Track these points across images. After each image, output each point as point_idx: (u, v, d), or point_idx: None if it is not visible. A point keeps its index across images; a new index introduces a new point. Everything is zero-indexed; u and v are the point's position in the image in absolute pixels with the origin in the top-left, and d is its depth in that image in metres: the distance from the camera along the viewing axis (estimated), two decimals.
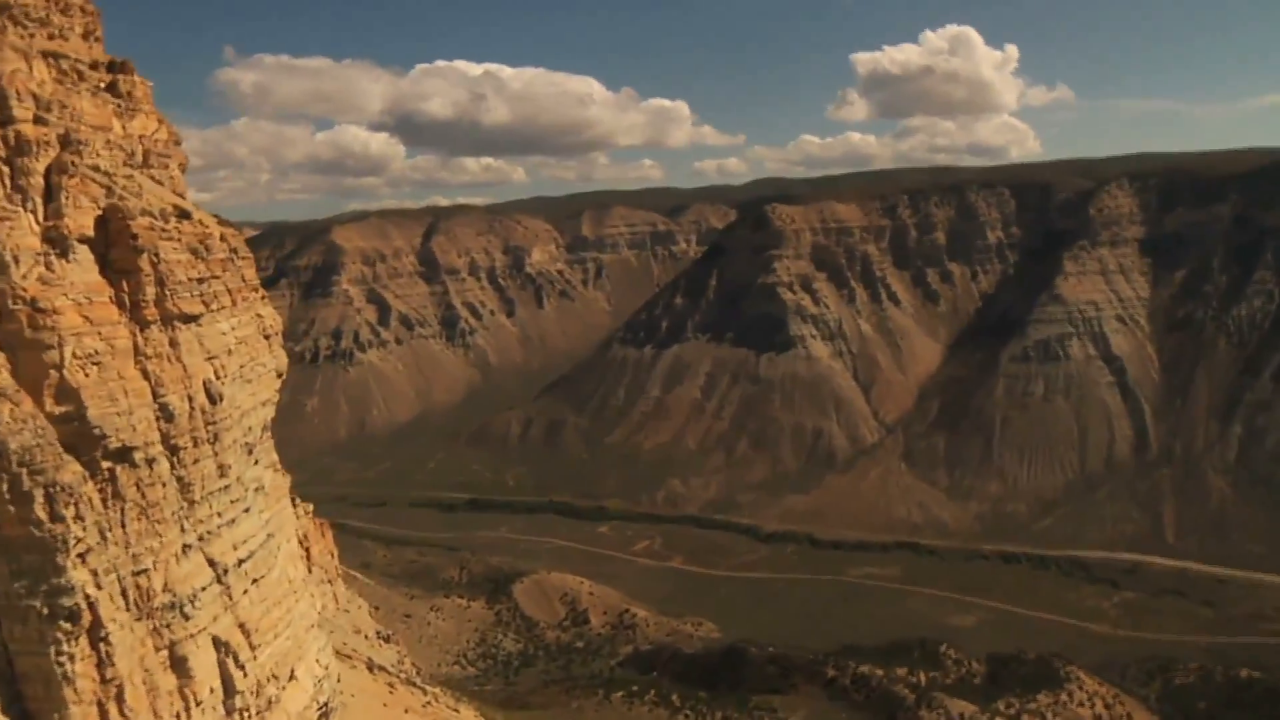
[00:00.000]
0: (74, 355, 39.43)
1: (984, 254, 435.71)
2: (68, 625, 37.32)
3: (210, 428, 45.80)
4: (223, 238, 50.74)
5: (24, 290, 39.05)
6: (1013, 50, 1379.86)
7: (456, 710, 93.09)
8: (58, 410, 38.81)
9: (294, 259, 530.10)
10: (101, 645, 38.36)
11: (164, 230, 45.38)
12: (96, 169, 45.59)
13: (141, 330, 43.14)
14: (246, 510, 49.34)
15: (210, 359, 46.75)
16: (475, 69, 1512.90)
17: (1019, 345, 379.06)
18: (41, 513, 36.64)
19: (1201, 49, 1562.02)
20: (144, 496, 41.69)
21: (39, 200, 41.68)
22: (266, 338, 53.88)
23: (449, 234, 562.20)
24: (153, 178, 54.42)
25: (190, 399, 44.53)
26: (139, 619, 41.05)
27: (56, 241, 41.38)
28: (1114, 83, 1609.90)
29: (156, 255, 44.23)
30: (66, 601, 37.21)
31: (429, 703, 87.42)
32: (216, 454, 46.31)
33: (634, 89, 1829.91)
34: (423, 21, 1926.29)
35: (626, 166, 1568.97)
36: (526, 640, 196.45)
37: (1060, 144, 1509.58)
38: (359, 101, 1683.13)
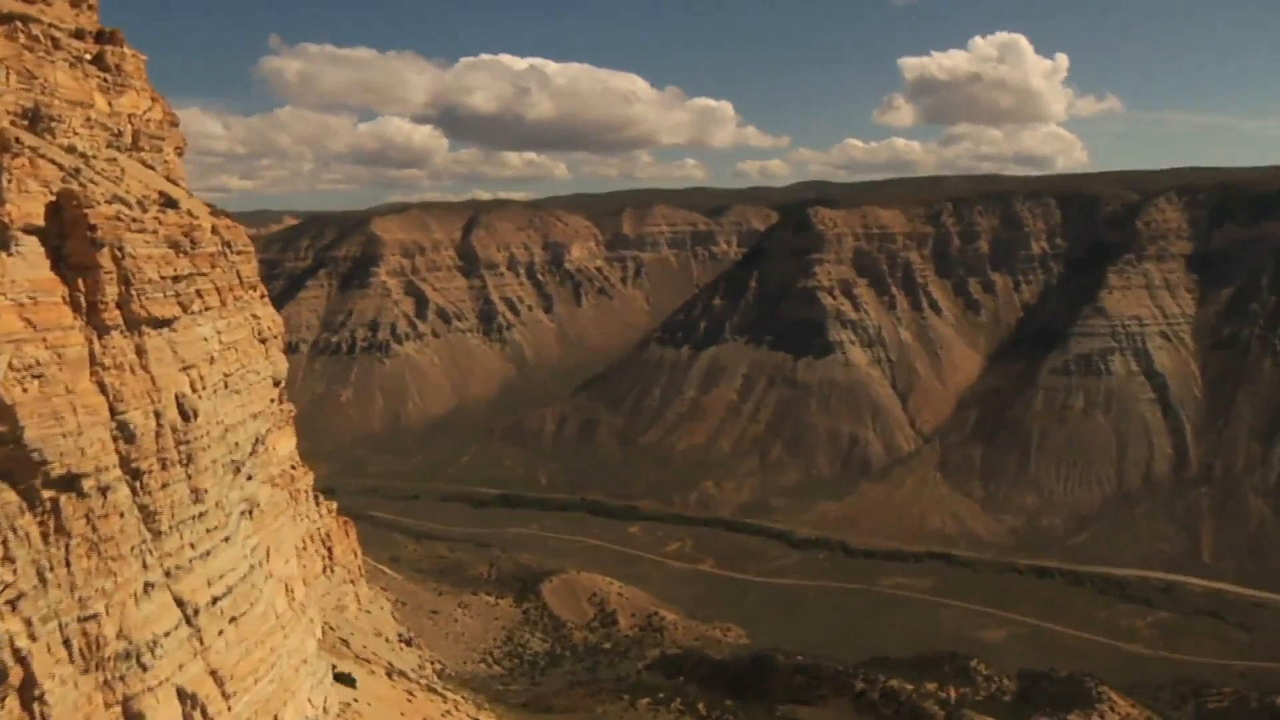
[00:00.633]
0: (10, 366, 32.67)
1: (1027, 264, 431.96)
2: None
3: (182, 448, 39.75)
4: (214, 230, 45.28)
5: None
6: (1063, 59, 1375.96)
7: (477, 718, 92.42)
8: None
9: (333, 249, 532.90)
10: (35, 705, 32.36)
11: (134, 221, 39.06)
12: (72, 149, 40.76)
13: (100, 336, 36.62)
14: (226, 539, 43.00)
15: (186, 369, 40.74)
16: (520, 63, 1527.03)
17: (1060, 358, 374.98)
18: None
19: (1254, 63, 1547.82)
20: (95, 530, 35.37)
21: None
22: (263, 341, 48.53)
23: (489, 228, 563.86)
24: (143, 161, 50.83)
25: (158, 415, 38.35)
26: (85, 671, 34.70)
27: None
28: (1164, 95, 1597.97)
29: (120, 250, 37.77)
30: None
31: (449, 711, 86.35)
32: (190, 477, 40.18)
33: (679, 88, 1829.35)
34: (468, 14, 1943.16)
35: (669, 165, 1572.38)
36: (554, 640, 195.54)
37: (1108, 156, 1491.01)
38: (403, 93, 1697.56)
